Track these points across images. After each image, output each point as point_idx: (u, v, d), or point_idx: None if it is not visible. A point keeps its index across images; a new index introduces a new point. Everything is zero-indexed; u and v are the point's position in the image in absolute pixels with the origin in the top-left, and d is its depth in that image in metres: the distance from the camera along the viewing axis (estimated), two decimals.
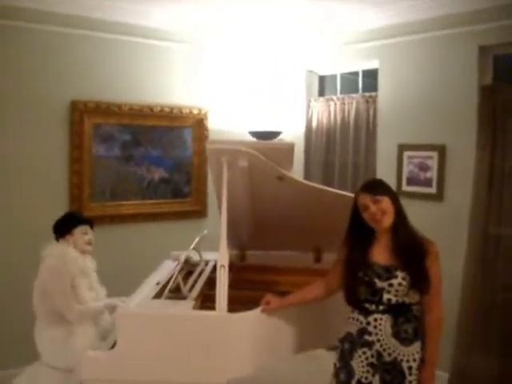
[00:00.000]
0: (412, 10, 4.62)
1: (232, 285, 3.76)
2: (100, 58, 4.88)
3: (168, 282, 3.39)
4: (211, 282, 3.45)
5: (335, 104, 5.55)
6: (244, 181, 3.38)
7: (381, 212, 2.78)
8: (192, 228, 5.14)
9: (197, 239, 3.90)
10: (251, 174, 3.32)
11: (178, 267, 3.45)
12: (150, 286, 3.55)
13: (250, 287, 3.82)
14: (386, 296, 2.76)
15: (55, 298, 3.47)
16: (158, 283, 3.56)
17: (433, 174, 4.59)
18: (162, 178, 5.32)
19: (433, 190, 4.59)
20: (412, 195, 4.70)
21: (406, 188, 4.79)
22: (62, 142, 4.74)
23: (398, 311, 2.77)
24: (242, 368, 2.92)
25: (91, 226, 3.81)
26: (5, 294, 4.46)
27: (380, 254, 2.84)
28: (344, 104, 5.46)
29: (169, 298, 3.21)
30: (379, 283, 2.77)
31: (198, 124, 5.45)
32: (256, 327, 3.00)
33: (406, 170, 4.79)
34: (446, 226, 4.46)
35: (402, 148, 4.83)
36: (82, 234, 3.69)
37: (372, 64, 5.18)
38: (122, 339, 2.90)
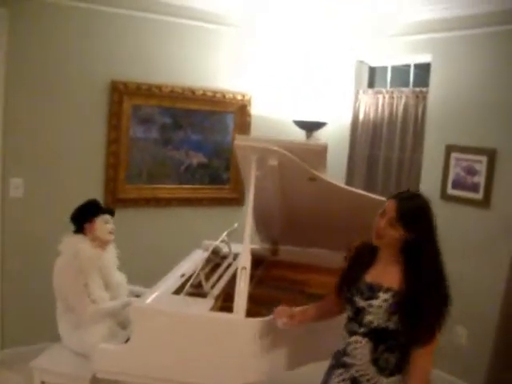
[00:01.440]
0: (466, 3, 4.36)
1: (259, 282, 3.69)
2: (143, 39, 4.77)
3: (192, 275, 3.30)
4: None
5: (384, 97, 5.33)
6: (274, 179, 3.26)
7: (383, 226, 2.45)
8: (228, 216, 5.03)
9: (225, 232, 3.79)
10: (282, 173, 3.19)
11: (203, 261, 3.34)
12: (174, 277, 3.48)
13: (277, 286, 3.70)
14: (367, 317, 2.46)
15: (68, 297, 3.41)
16: (182, 275, 3.49)
17: (480, 178, 4.34)
18: (200, 163, 5.22)
19: (479, 195, 4.35)
20: (456, 199, 4.49)
21: (450, 191, 4.56)
22: (100, 122, 4.68)
23: (379, 337, 2.45)
24: (255, 375, 2.81)
25: (112, 215, 3.71)
26: (42, 276, 4.42)
27: (377, 274, 2.54)
28: (393, 98, 5.23)
29: (190, 293, 3.12)
30: (360, 302, 2.51)
31: (241, 110, 5.31)
32: (274, 334, 2.87)
33: (453, 172, 4.55)
34: (490, 235, 4.25)
35: (449, 149, 4.59)
36: (104, 222, 3.59)
37: (425, 58, 4.92)
38: (136, 334, 2.83)
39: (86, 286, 3.41)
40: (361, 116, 5.59)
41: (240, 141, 3.17)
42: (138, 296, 3.67)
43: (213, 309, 2.95)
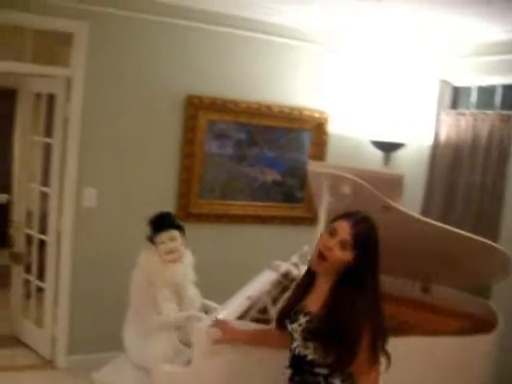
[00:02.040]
0: None
1: None
2: (219, 53, 4.78)
3: (259, 298, 3.23)
4: None
5: (467, 119, 5.10)
6: (347, 205, 3.12)
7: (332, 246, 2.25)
8: (300, 235, 4.93)
9: (295, 255, 3.69)
10: (354, 201, 3.06)
11: (270, 284, 3.26)
12: (240, 299, 3.40)
13: None
14: (293, 343, 2.32)
15: (137, 307, 3.41)
16: (249, 297, 3.41)
17: None
18: (274, 180, 5.15)
19: None
20: None
21: None
22: (174, 136, 4.70)
23: (297, 366, 2.28)
24: None
25: (179, 229, 3.59)
26: (112, 285, 4.46)
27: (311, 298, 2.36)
28: (477, 120, 4.99)
29: (254, 319, 3.04)
30: (288, 326, 2.36)
31: (318, 128, 5.22)
32: None
33: None
34: None
35: None
36: (160, 243, 3.49)
37: None
38: (196, 358, 2.76)
39: (155, 298, 3.39)
40: (442, 138, 5.36)
41: (313, 167, 3.08)
42: (206, 311, 3.62)
43: None
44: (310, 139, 5.22)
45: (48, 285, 4.67)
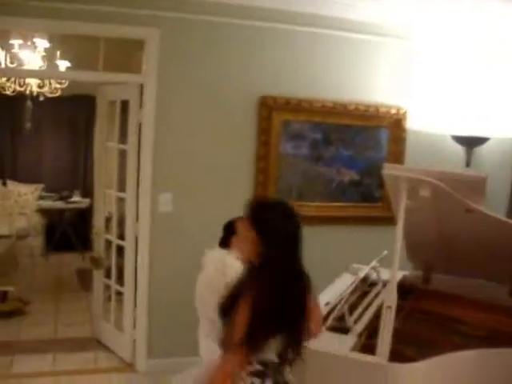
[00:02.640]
0: None
1: (408, 316, 3.41)
2: (292, 52, 4.68)
3: (336, 305, 3.12)
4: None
5: None
6: (426, 208, 2.99)
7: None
8: (380, 235, 4.75)
9: (375, 260, 3.57)
10: (435, 204, 2.91)
11: (349, 290, 3.15)
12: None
13: (426, 321, 3.39)
14: None
15: (210, 310, 3.34)
16: (327, 303, 3.31)
17: None
18: (352, 180, 5.01)
19: None
20: None
21: None
22: (249, 138, 4.64)
23: None
24: None
25: None
26: (190, 290, 4.43)
27: None
28: None
29: (332, 327, 2.94)
30: None
31: (396, 124, 5.03)
32: (425, 382, 2.59)
33: None
34: None
35: None
36: None
37: None
38: None
39: None
40: None
41: (389, 170, 2.94)
42: None
43: (354, 347, 2.74)
44: (388, 136, 5.04)
45: (126, 289, 4.73)
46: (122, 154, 4.77)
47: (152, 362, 4.58)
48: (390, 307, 2.63)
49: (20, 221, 8.23)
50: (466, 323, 3.39)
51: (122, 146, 4.75)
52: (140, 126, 4.51)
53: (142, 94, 4.49)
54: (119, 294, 4.91)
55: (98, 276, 5.20)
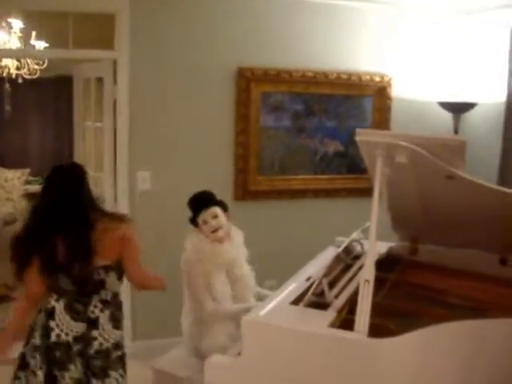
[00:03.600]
0: None
1: (392, 288, 3.30)
2: (269, 20, 4.55)
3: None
4: None
5: None
6: (406, 176, 2.86)
7: None
8: (367, 207, 4.64)
9: (357, 231, 3.45)
10: (414, 170, 2.78)
11: (327, 265, 3.01)
12: (299, 281, 3.20)
13: (414, 294, 3.27)
14: None
15: (194, 293, 3.26)
16: (308, 278, 3.20)
17: None
18: (336, 151, 4.89)
19: None
20: None
21: None
22: (227, 111, 4.51)
23: None
24: None
25: (220, 205, 3.39)
26: (171, 270, 4.35)
27: None
28: None
29: (310, 303, 2.82)
30: None
31: (380, 92, 4.90)
32: (406, 357, 2.48)
33: None
34: None
35: None
36: (202, 223, 3.32)
37: None
38: (246, 349, 2.57)
39: (209, 284, 3.25)
40: None
41: (363, 136, 2.79)
42: (259, 299, 3.44)
43: (333, 323, 2.62)
44: (372, 105, 4.91)
45: None
46: (99, 133, 4.64)
47: (137, 344, 4.48)
48: (367, 281, 2.51)
49: (7, 206, 8.13)
50: (453, 295, 3.26)
51: (98, 125, 4.61)
52: (114, 103, 4.37)
53: (115, 70, 4.34)
54: None
55: None
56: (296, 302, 2.85)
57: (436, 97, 4.93)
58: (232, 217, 3.48)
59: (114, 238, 2.76)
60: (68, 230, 2.69)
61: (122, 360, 2.83)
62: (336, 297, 2.88)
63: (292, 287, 3.08)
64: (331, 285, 3.01)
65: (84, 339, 2.72)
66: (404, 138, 2.62)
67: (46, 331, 2.69)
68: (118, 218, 2.86)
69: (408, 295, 3.23)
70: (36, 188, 8.56)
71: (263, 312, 2.72)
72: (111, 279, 2.82)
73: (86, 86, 4.81)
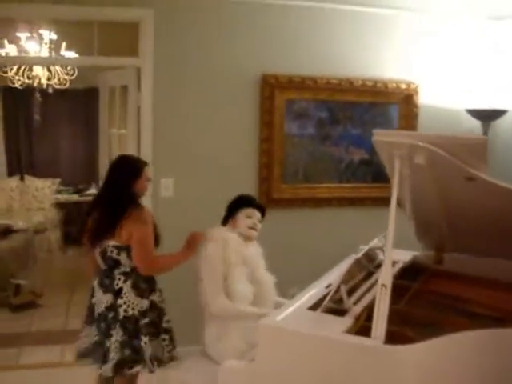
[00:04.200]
0: None
1: (414, 297, 3.22)
2: (293, 28, 4.51)
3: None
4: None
5: None
6: (425, 178, 2.79)
7: None
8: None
9: (376, 239, 3.39)
10: (433, 172, 2.71)
11: (345, 271, 2.95)
12: (319, 287, 3.15)
13: (434, 302, 3.19)
14: None
15: (205, 284, 3.23)
16: (328, 285, 3.14)
17: None
18: (362, 159, 4.83)
19: None
20: None
21: None
22: (251, 119, 4.49)
23: None
24: None
25: (261, 212, 3.49)
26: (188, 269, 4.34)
27: None
28: None
29: (328, 309, 2.77)
30: None
31: (406, 100, 4.83)
32: (424, 365, 2.40)
33: None
34: None
35: None
36: (245, 217, 3.39)
37: None
38: (261, 353, 2.54)
39: (227, 278, 3.22)
40: None
41: (379, 136, 2.73)
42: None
43: (350, 330, 2.56)
44: (398, 113, 4.84)
45: None
46: (124, 140, 4.66)
47: None
48: (384, 286, 2.45)
49: (37, 215, 8.23)
50: (477, 304, 3.16)
51: (122, 132, 4.64)
52: (138, 110, 4.39)
53: (139, 78, 4.37)
54: None
55: None
56: (314, 307, 2.81)
57: (464, 104, 4.84)
58: None
59: (127, 226, 3.14)
60: (104, 206, 3.23)
61: (152, 326, 3.22)
62: (355, 303, 2.83)
63: (311, 294, 3.04)
64: (351, 291, 2.96)
65: (113, 307, 3.15)
66: (422, 138, 2.55)
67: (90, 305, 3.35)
68: (139, 215, 3.21)
69: (430, 304, 3.15)
70: (66, 197, 8.68)
71: (280, 317, 2.69)
72: (123, 258, 3.18)
73: (112, 94, 4.84)
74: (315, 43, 4.55)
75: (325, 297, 2.86)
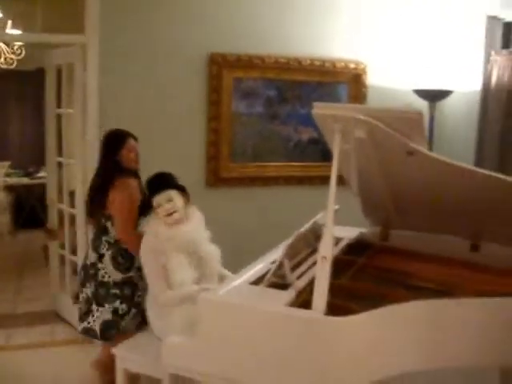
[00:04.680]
0: None
1: (359, 271, 3.26)
2: (240, 5, 4.49)
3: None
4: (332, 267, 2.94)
5: None
6: (367, 153, 2.81)
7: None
8: (341, 195, 4.61)
9: (319, 215, 3.40)
10: (374, 147, 2.73)
11: (288, 245, 2.95)
12: (264, 263, 3.16)
13: (379, 276, 3.23)
14: None
15: (149, 279, 3.20)
16: (274, 261, 3.15)
17: None
18: (310, 138, 4.85)
19: None
20: None
21: None
22: (199, 97, 4.47)
23: None
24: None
25: (178, 189, 3.33)
26: None
27: None
28: None
29: (271, 283, 2.78)
30: None
31: (355, 80, 4.87)
32: (363, 336, 2.44)
33: None
34: None
35: None
36: (157, 206, 3.23)
37: None
38: (202, 328, 2.54)
39: (167, 267, 3.16)
40: (493, 82, 4.90)
41: (319, 109, 2.74)
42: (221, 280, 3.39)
43: (292, 303, 2.58)
44: (347, 92, 4.88)
45: (80, 258, 4.55)
46: (71, 120, 4.58)
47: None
48: (324, 257, 2.47)
49: None
50: (419, 278, 3.21)
51: (70, 111, 4.55)
52: (84, 89, 4.31)
53: (85, 56, 4.28)
54: (74, 263, 4.75)
55: (53, 248, 5.04)
56: (257, 282, 2.82)
57: (411, 84, 4.89)
58: (202, 199, 3.52)
59: (111, 194, 3.34)
60: (94, 177, 3.52)
61: (118, 298, 3.40)
62: (298, 278, 2.85)
63: (256, 269, 3.05)
64: (295, 267, 2.98)
65: (95, 266, 3.43)
66: (363, 112, 2.56)
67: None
68: (121, 183, 3.37)
69: (375, 278, 3.19)
70: (15, 180, 8.51)
71: (221, 291, 2.69)
72: (109, 226, 3.41)
73: (59, 74, 4.73)
74: (262, 22, 4.54)
75: (266, 272, 2.88)
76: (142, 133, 4.29)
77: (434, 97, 4.88)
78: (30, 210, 8.24)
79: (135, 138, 3.59)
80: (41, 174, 8.51)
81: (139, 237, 3.24)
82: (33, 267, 6.59)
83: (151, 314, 3.30)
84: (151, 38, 4.29)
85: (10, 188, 8.45)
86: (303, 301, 2.66)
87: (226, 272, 3.53)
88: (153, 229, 3.22)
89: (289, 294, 2.63)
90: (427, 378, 2.89)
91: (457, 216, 3.27)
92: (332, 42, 4.76)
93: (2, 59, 6.78)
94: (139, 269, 3.36)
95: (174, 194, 3.27)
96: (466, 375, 3.30)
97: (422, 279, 3.19)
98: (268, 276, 2.79)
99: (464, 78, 4.88)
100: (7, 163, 8.78)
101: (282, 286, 2.76)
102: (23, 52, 6.82)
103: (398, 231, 3.73)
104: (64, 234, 4.87)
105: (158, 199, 3.23)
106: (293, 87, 4.69)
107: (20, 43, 6.46)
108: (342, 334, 2.40)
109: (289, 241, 2.88)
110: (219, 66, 4.41)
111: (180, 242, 3.21)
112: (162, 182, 3.32)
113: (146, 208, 3.30)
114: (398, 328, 2.48)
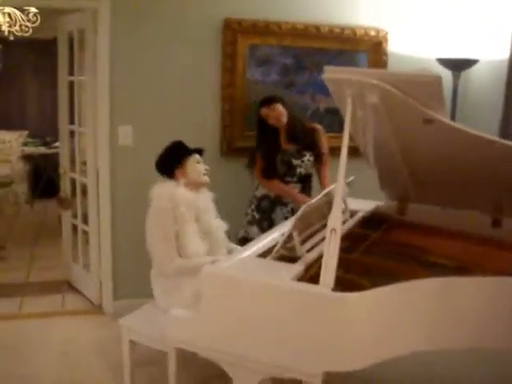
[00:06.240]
0: None
1: (372, 246, 3.15)
2: None
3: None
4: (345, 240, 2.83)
5: None
6: (380, 121, 2.66)
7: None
8: (359, 166, 4.46)
9: (331, 186, 3.28)
10: (388, 114, 2.59)
11: (297, 216, 2.83)
12: (274, 235, 3.05)
13: (393, 252, 3.11)
14: (298, 170, 4.07)
15: (156, 246, 3.09)
16: (283, 234, 3.04)
17: None
18: (328, 108, 4.68)
19: None
20: None
21: None
22: (213, 65, 4.32)
23: (304, 181, 4.16)
24: (344, 361, 2.31)
25: (201, 155, 3.32)
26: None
27: (287, 143, 4.06)
28: None
29: (279, 257, 2.68)
30: (294, 161, 4.05)
31: (375, 48, 4.68)
32: (371, 312, 2.33)
33: None
34: None
35: None
36: (195, 163, 3.21)
37: None
38: (205, 302, 2.46)
39: (179, 236, 3.06)
40: None
41: (331, 73, 2.60)
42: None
43: (300, 277, 2.48)
44: (367, 61, 4.69)
45: (91, 227, 4.50)
46: (83, 87, 4.49)
47: (119, 303, 4.36)
48: (334, 230, 2.35)
49: (4, 168, 8.03)
50: (436, 254, 3.10)
51: (80, 78, 4.46)
52: (95, 55, 4.20)
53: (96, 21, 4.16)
54: (86, 233, 4.69)
55: (66, 217, 4.99)
56: (264, 255, 2.72)
57: (435, 53, 4.70)
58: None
59: None
60: None
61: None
62: (308, 251, 2.74)
63: (265, 241, 2.95)
64: (306, 239, 2.87)
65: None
66: (376, 76, 2.41)
67: None
68: None
69: (389, 254, 3.08)
70: (33, 150, 8.48)
71: (226, 264, 2.59)
72: None
73: (71, 40, 4.62)
74: None
75: (275, 244, 2.77)
76: (154, 100, 4.22)
77: (459, 66, 4.68)
78: (47, 179, 8.20)
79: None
80: (58, 144, 8.44)
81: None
82: (49, 237, 6.56)
83: (156, 287, 3.22)
84: (163, 3, 4.14)
85: (27, 157, 8.43)
86: (313, 274, 2.55)
87: (234, 245, 3.44)
88: (167, 192, 3.11)
89: (297, 268, 2.53)
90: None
91: (478, 189, 3.13)
92: (352, 8, 4.58)
93: (18, 27, 6.67)
94: None
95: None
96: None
97: (439, 256, 3.08)
98: (276, 248, 2.69)
99: (491, 46, 4.67)
100: (25, 132, 8.74)
101: (291, 259, 2.65)
102: (38, 19, 6.70)
103: (416, 205, 3.60)
104: (76, 204, 4.80)
105: (197, 157, 3.25)
106: (310, 55, 4.52)
107: (35, 10, 6.33)
108: (350, 310, 2.29)
109: (299, 212, 2.76)
110: (234, 31, 4.25)
111: (200, 210, 3.12)
112: (188, 147, 3.33)
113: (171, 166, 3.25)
114: (408, 306, 2.36)
